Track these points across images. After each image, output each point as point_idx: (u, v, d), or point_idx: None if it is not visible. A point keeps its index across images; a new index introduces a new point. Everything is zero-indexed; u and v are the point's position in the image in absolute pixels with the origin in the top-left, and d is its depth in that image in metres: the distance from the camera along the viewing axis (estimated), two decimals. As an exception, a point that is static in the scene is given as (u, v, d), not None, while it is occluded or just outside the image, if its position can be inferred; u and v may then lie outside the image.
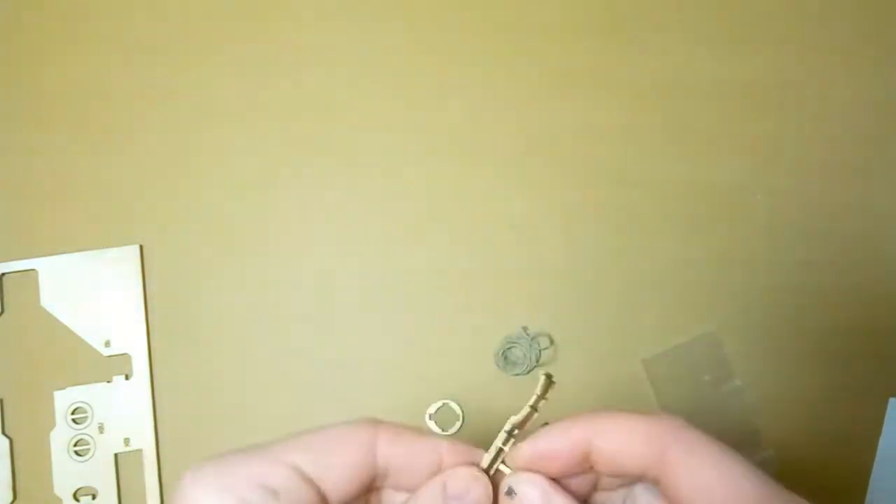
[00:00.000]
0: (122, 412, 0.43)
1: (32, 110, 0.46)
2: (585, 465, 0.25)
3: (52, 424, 0.42)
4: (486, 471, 0.25)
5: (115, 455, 0.42)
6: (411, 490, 0.25)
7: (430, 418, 0.43)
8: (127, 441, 0.43)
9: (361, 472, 0.24)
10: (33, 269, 0.44)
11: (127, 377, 0.43)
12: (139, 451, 0.43)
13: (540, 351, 0.43)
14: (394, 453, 0.25)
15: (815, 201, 0.46)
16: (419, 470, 0.25)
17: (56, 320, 0.44)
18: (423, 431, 0.26)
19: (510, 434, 0.25)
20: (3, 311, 0.44)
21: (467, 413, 0.43)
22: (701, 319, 0.45)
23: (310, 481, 0.23)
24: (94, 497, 0.42)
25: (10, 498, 0.42)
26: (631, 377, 0.44)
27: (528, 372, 0.43)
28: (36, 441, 0.43)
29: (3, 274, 0.44)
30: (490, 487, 0.25)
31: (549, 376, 0.26)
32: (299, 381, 0.44)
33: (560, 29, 0.47)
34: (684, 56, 0.47)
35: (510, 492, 0.25)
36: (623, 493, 0.26)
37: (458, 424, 0.43)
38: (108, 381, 0.43)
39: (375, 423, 0.25)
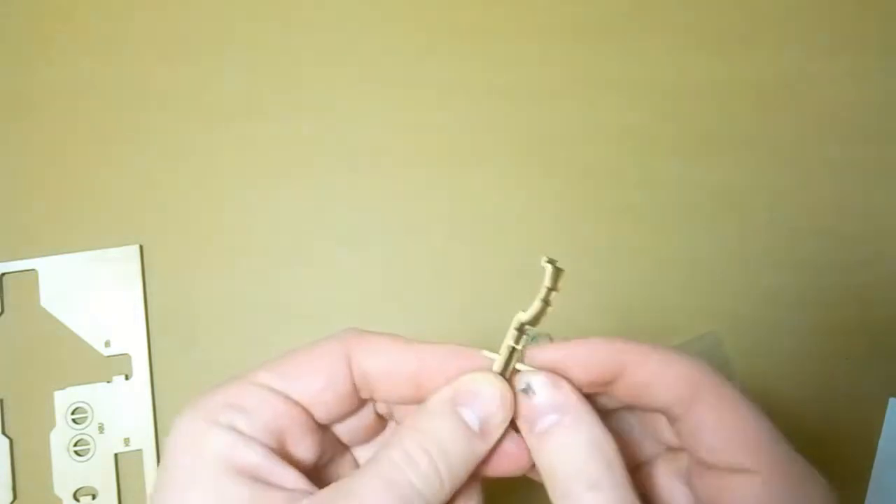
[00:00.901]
0: (122, 412, 0.43)
1: (32, 110, 0.46)
2: (603, 386, 0.23)
3: (52, 424, 0.42)
4: (502, 374, 0.22)
5: (115, 455, 0.42)
6: (401, 402, 0.23)
7: (430, 418, 0.43)
8: (127, 441, 0.42)
9: (335, 383, 0.23)
10: (33, 269, 0.44)
11: (127, 377, 0.43)
12: (139, 451, 0.42)
13: (540, 351, 0.43)
14: (368, 362, 0.23)
15: (815, 201, 0.46)
16: (398, 380, 0.23)
17: (56, 320, 0.43)
18: (405, 339, 0.23)
19: (521, 332, 0.22)
20: (3, 311, 0.44)
21: (467, 413, 0.43)
22: (701, 319, 0.45)
23: (282, 395, 0.23)
24: (94, 497, 0.42)
25: (10, 498, 0.42)
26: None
27: (528, 372, 0.43)
28: (36, 441, 0.42)
29: (3, 274, 0.44)
30: (510, 393, 0.22)
31: (552, 262, 0.23)
32: (299, 381, 0.44)
33: (560, 29, 0.47)
34: (684, 56, 0.47)
35: (527, 390, 0.22)
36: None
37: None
38: (108, 381, 0.43)
39: (349, 333, 0.24)
